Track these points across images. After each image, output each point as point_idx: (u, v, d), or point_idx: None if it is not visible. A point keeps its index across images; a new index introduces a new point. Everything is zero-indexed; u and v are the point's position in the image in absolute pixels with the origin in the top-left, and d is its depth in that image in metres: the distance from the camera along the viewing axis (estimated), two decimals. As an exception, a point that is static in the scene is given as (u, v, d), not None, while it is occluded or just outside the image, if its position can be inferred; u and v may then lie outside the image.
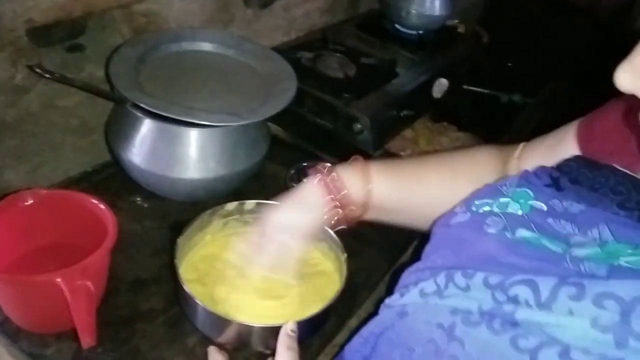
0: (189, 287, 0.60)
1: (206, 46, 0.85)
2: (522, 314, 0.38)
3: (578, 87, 1.35)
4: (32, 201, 0.61)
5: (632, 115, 0.45)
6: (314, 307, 0.61)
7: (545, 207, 0.46)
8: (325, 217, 0.63)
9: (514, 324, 0.38)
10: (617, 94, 0.37)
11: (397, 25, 1.24)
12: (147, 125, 0.72)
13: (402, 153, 0.99)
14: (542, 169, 0.51)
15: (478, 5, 1.61)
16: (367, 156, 0.94)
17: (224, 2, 0.96)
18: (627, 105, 0.37)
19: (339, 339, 0.69)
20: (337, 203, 0.62)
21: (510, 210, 0.47)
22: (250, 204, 0.71)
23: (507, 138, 1.09)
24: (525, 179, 0.50)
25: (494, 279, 0.41)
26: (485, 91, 1.24)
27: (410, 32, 1.23)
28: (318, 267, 0.70)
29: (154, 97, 0.70)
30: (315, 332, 0.65)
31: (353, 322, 0.71)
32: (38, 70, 0.66)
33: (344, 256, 0.66)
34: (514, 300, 0.39)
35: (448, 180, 0.64)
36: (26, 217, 0.61)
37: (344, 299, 0.63)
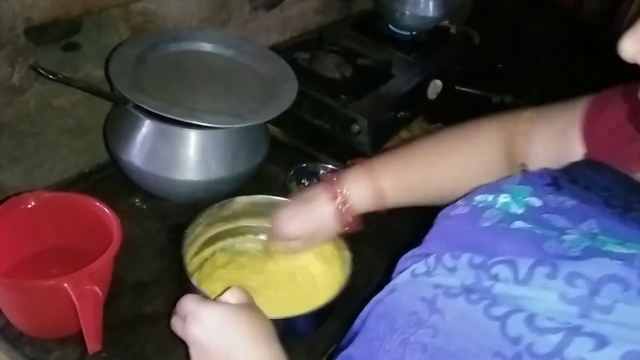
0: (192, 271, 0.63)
1: (205, 46, 0.84)
2: (498, 288, 0.41)
3: (565, 86, 1.36)
4: (33, 204, 0.60)
5: (636, 116, 0.46)
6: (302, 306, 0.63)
7: (540, 203, 0.48)
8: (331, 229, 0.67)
9: (490, 296, 0.41)
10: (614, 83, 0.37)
11: (390, 26, 1.24)
12: (148, 127, 0.71)
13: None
14: (546, 170, 0.53)
15: (466, 7, 1.62)
16: (365, 157, 0.95)
17: (221, 2, 0.95)
18: (631, 106, 0.38)
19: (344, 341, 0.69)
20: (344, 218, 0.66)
21: (508, 207, 0.49)
22: (260, 198, 0.72)
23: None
24: (528, 178, 0.52)
25: (477, 259, 0.44)
26: (477, 92, 1.25)
27: (403, 32, 1.24)
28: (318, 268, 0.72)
29: (155, 98, 0.69)
30: (316, 328, 0.66)
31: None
32: (41, 70, 0.65)
33: (349, 256, 0.67)
34: (495, 278, 0.42)
35: (458, 169, 0.68)
36: (28, 220, 0.60)
37: (347, 300, 0.63)
